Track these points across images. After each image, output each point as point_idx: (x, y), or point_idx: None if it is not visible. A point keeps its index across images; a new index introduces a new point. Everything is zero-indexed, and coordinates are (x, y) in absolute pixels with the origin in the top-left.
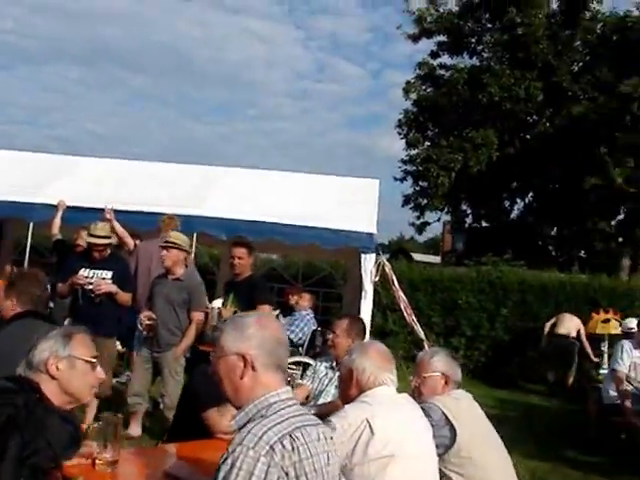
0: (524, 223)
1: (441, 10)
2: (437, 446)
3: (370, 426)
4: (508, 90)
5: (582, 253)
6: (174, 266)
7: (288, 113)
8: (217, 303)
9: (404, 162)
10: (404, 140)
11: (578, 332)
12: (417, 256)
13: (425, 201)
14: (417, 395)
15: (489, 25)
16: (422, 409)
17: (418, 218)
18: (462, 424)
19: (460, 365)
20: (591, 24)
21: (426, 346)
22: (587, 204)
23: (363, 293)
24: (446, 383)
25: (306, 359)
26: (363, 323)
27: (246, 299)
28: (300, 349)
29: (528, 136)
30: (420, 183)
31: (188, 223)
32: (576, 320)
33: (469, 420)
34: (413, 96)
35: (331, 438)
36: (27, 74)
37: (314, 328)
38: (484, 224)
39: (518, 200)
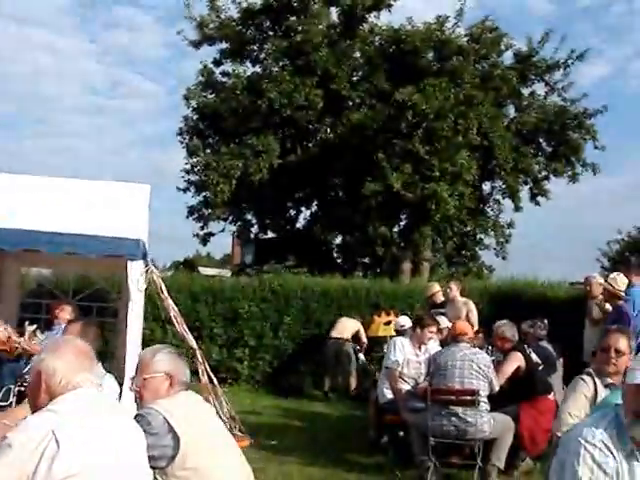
0: (310, 232)
1: (222, 17)
2: (158, 458)
3: (56, 439)
4: (288, 96)
5: (366, 259)
6: None
7: (80, 130)
8: None
9: (186, 172)
10: (185, 149)
11: (358, 333)
12: (211, 271)
13: (209, 211)
14: (139, 400)
15: (270, 32)
16: (140, 416)
17: (202, 229)
18: (187, 431)
19: (245, 376)
20: (369, 35)
21: (198, 355)
22: (368, 211)
23: (130, 304)
24: (171, 385)
25: None
26: (98, 327)
27: None
28: None
29: (310, 144)
30: (202, 193)
31: None
32: (352, 322)
33: (196, 426)
34: (193, 103)
35: None
36: None
37: None
38: (271, 234)
39: (303, 209)
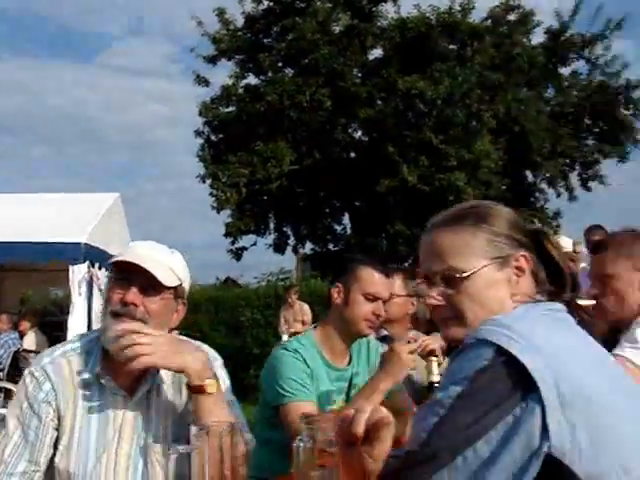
0: (349, 243)
1: (231, 27)
2: None
3: None
4: (290, 98)
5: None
6: None
7: None
8: None
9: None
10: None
11: None
12: None
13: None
14: None
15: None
16: None
17: (232, 243)
18: None
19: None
20: (376, 28)
21: None
22: (387, 209)
23: None
24: None
25: (6, 384)
26: None
27: None
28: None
29: (327, 146)
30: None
31: None
32: None
33: None
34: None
35: None
36: None
37: (15, 349)
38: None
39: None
